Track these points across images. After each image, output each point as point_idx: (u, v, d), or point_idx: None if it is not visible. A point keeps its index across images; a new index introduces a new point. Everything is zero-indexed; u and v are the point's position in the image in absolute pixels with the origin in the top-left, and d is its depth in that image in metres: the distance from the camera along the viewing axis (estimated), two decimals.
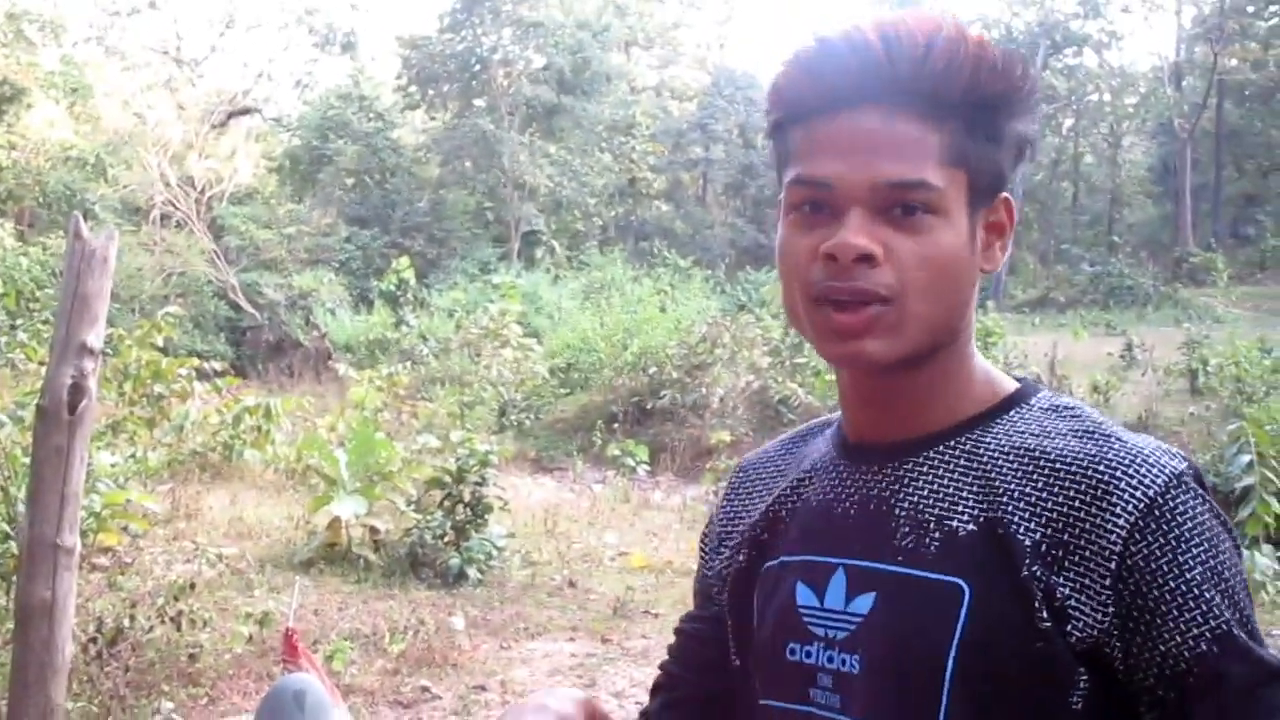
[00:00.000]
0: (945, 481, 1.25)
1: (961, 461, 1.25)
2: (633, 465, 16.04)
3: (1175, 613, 1.13)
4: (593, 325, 23.57)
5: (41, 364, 11.36)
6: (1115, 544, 1.14)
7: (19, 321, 13.25)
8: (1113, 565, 1.13)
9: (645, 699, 4.97)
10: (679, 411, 19.52)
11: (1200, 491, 1.19)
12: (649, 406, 19.93)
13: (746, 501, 1.48)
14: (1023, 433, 1.25)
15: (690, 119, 43.93)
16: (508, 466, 13.88)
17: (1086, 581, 1.14)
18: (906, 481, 1.27)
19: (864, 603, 1.25)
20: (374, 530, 9.97)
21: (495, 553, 9.60)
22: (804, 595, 1.30)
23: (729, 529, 1.50)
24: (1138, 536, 1.14)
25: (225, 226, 30.62)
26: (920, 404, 1.28)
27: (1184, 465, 1.19)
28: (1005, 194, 1.27)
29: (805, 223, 1.23)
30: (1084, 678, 1.15)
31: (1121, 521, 1.14)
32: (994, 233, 1.27)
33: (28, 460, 6.07)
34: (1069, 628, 1.14)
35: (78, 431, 5.44)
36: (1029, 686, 1.15)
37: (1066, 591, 1.14)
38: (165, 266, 28.13)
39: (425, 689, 6.68)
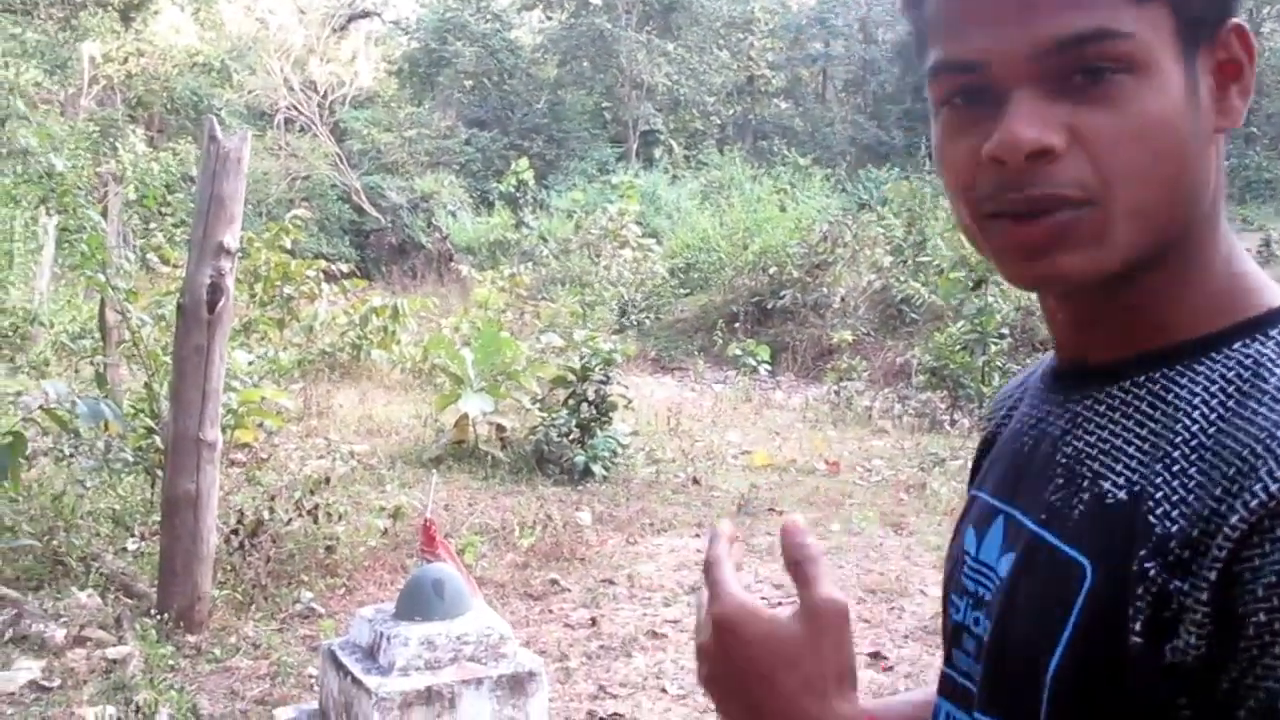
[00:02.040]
0: (1116, 429, 0.96)
1: (1143, 406, 0.95)
2: (754, 365, 15.99)
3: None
4: (712, 225, 23.42)
5: (176, 266, 11.65)
6: (1227, 543, 0.83)
7: (152, 225, 13.55)
8: (1217, 571, 0.83)
9: (771, 595, 5.02)
10: (800, 311, 19.39)
11: None
12: (769, 306, 19.82)
13: (993, 418, 1.23)
14: (1235, 377, 0.91)
15: (809, 13, 43.01)
16: (629, 366, 13.94)
17: (1196, 588, 0.85)
18: (1079, 421, 0.99)
19: (1006, 563, 1.01)
20: (500, 428, 10.11)
21: (619, 450, 9.68)
22: (969, 540, 1.11)
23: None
24: (1256, 540, 0.82)
25: (347, 130, 30.91)
26: (1129, 322, 0.97)
27: None
28: (1234, 20, 0.93)
29: (960, 119, 0.94)
30: (1185, 710, 0.86)
31: (1241, 515, 0.83)
32: (1227, 75, 0.93)
33: (168, 359, 6.24)
34: (1170, 644, 0.86)
35: (217, 330, 5.57)
36: (1122, 709, 0.89)
37: (1179, 601, 0.85)
38: (290, 171, 28.54)
39: (554, 582, 6.79)
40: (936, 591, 6.93)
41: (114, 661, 5.22)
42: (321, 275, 15.01)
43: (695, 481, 9.48)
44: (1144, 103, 0.88)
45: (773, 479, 9.62)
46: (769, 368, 16.45)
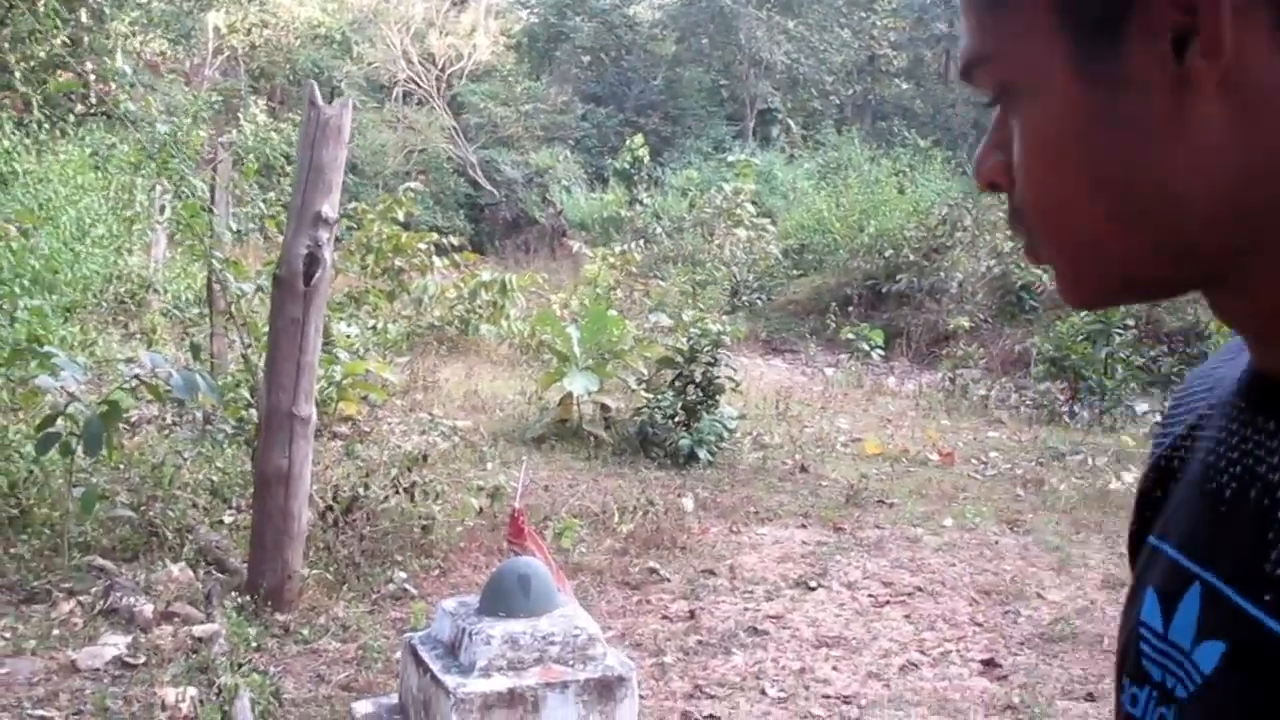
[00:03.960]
0: None
1: None
2: (867, 350, 15.61)
3: None
4: (828, 206, 23.01)
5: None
6: None
7: (269, 196, 13.57)
8: None
9: (878, 591, 4.73)
10: (915, 296, 18.94)
11: None
12: (884, 290, 19.40)
13: (1168, 433, 0.92)
14: None
15: None
16: (738, 347, 13.64)
17: None
18: None
19: (1211, 653, 0.75)
20: (605, 408, 9.92)
21: (726, 434, 9.43)
22: (1150, 609, 0.83)
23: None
24: None
25: (464, 104, 30.95)
26: None
27: None
28: None
29: None
30: None
31: None
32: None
33: (267, 330, 6.12)
34: None
35: (313, 302, 5.43)
36: None
37: None
38: (407, 143, 28.65)
39: (653, 570, 6.57)
40: (1055, 595, 6.60)
41: (200, 639, 5.11)
42: (433, 248, 14.94)
43: (803, 469, 9.20)
44: (1035, 124, 0.75)
45: (883, 469, 9.30)
46: (882, 352, 16.06)
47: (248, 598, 5.54)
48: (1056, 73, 0.73)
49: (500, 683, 3.35)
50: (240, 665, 4.91)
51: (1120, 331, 12.86)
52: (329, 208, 5.53)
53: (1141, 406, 13.14)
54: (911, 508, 8.12)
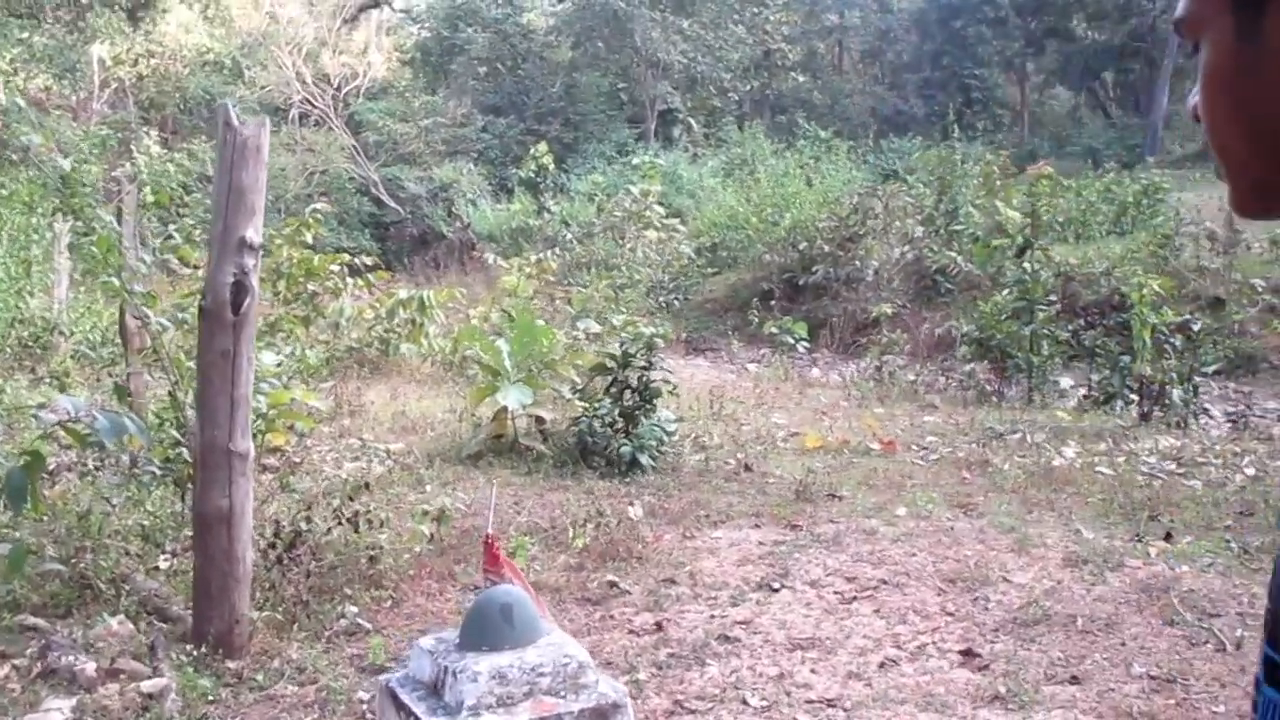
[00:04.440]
0: None
1: None
2: (792, 343, 15.55)
3: None
4: (739, 202, 22.99)
5: (197, 267, 11.26)
6: None
7: (170, 226, 13.19)
8: None
9: (843, 587, 4.58)
10: (832, 286, 18.98)
11: None
12: (801, 283, 19.41)
13: None
14: None
15: None
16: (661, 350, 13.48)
17: None
18: None
19: None
20: (540, 420, 9.71)
21: (666, 438, 9.26)
22: None
23: None
24: None
25: (362, 122, 30.54)
26: None
27: None
28: None
29: None
30: None
31: None
32: None
33: (193, 365, 5.85)
34: None
35: (243, 332, 5.18)
36: None
37: None
38: (307, 165, 28.20)
39: (613, 584, 6.38)
40: (1021, 578, 6.51)
41: (150, 696, 4.83)
42: (345, 270, 14.63)
43: (747, 468, 9.06)
44: (1207, 70, 1.02)
45: (827, 462, 9.20)
46: (806, 344, 16.01)
47: (195, 647, 5.27)
48: (1223, 35, 1.00)
49: None
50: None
51: (1044, 307, 12.89)
52: (253, 232, 5.27)
53: (1066, 381, 13.22)
54: (862, 499, 8.01)
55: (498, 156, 30.81)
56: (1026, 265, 13.29)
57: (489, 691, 3.19)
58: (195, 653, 5.23)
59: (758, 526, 7.50)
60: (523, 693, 3.23)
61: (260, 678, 5.14)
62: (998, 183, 18.85)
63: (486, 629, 3.31)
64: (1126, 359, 12.00)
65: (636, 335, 9.44)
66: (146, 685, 4.91)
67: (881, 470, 8.91)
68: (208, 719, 4.72)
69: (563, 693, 3.28)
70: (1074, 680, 5.00)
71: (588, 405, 9.51)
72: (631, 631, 5.78)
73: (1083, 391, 13.00)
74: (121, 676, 5.04)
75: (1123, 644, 5.40)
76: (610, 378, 9.45)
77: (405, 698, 3.31)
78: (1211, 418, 11.84)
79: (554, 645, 3.36)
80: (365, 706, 4.90)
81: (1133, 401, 11.81)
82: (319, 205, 16.14)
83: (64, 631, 5.52)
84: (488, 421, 9.75)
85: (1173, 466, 8.94)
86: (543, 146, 26.76)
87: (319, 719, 4.76)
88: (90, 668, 5.09)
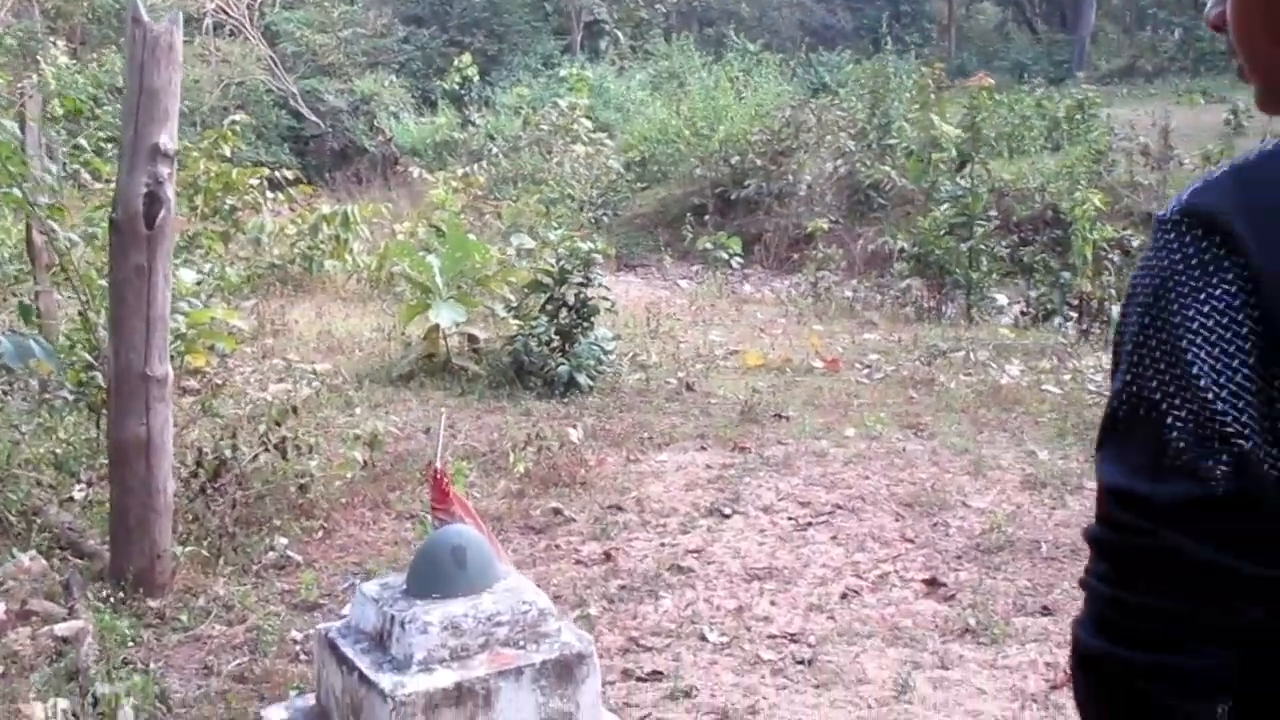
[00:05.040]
0: None
1: None
2: (726, 259, 15.25)
3: None
4: (669, 115, 22.53)
5: (109, 180, 10.70)
6: None
7: (79, 138, 12.56)
8: None
9: (797, 513, 4.30)
10: (765, 201, 18.66)
11: (1162, 236, 1.19)
12: (733, 198, 19.07)
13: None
14: None
15: None
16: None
17: None
18: None
19: None
20: (473, 339, 9.36)
21: (604, 357, 8.95)
22: None
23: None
24: None
25: (279, 33, 29.50)
26: None
27: (1168, 207, 1.21)
28: None
29: None
30: None
31: None
32: None
33: (105, 283, 5.44)
34: None
35: (158, 247, 4.78)
36: None
37: None
38: (223, 77, 27.20)
39: (557, 511, 6.09)
40: (979, 502, 6.30)
41: (65, 640, 4.48)
42: (265, 183, 14.06)
43: (688, 388, 8.78)
44: None
45: (770, 381, 8.94)
46: (741, 260, 15.71)
47: (113, 585, 4.92)
48: None
49: (444, 677, 2.85)
50: (115, 666, 4.32)
51: (983, 223, 12.69)
52: (167, 138, 4.85)
53: (1002, 298, 13.06)
54: (809, 420, 7.77)
55: (420, 69, 29.97)
56: (964, 180, 13.07)
57: (441, 644, 2.89)
58: (114, 591, 4.88)
59: (704, 449, 7.24)
60: (478, 644, 2.94)
61: (184, 617, 4.81)
62: (932, 96, 18.58)
63: (437, 574, 3.01)
64: (1066, 275, 11.86)
65: (573, 251, 9.08)
66: (61, 628, 4.56)
67: (826, 389, 8.67)
68: (128, 664, 4.38)
69: (522, 643, 2.99)
70: (1045, 611, 4.80)
71: (523, 323, 9.17)
72: (579, 562, 5.50)
73: (1020, 308, 12.88)
74: (33, 619, 4.68)
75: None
76: (546, 295, 9.10)
77: (347, 650, 3.00)
78: None
79: (511, 591, 3.06)
80: (299, 647, 4.59)
81: (1072, 318, 11.68)
82: (236, 118, 15.50)
83: None
84: (419, 341, 9.37)
85: None
86: (466, 58, 26.07)
87: (249, 662, 4.44)
88: (0, 609, 4.73)
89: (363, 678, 2.90)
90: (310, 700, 3.30)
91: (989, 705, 4.03)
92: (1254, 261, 1.11)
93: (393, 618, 2.96)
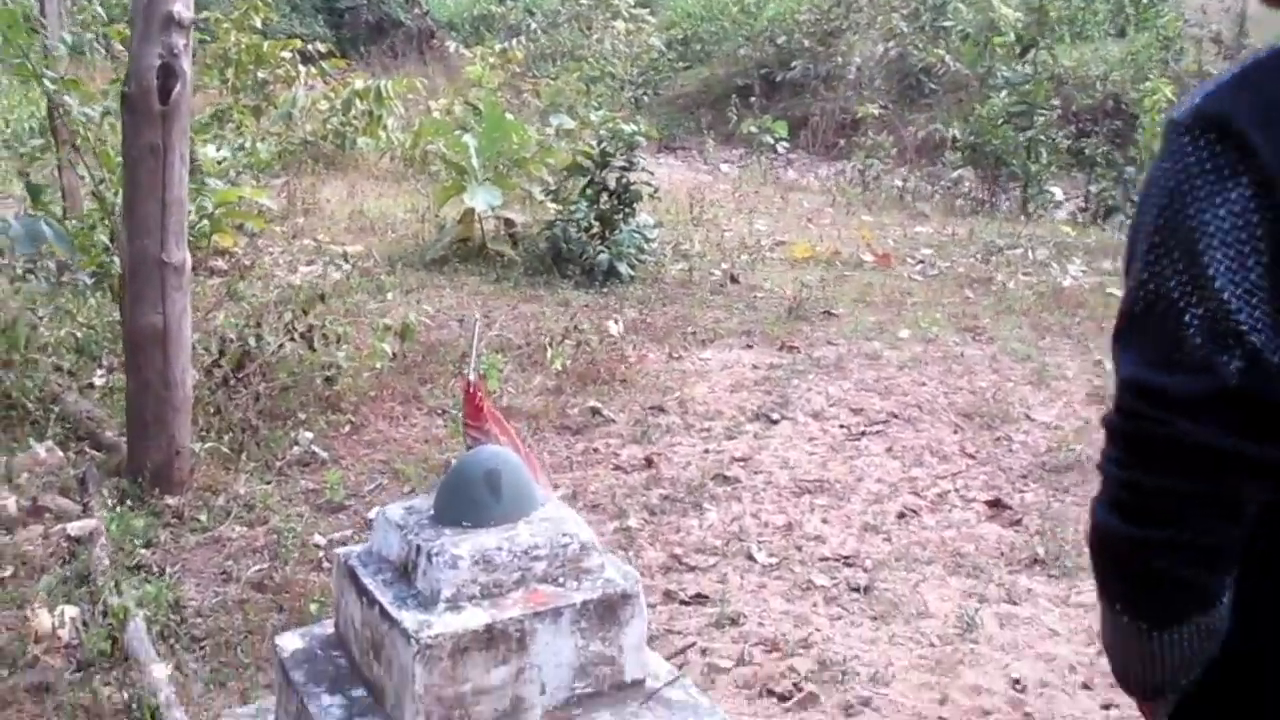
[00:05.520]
0: None
1: None
2: (771, 143, 14.75)
3: None
4: None
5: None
6: None
7: (98, 4, 12.13)
8: None
9: (849, 420, 3.95)
10: (811, 84, 18.08)
11: (1176, 140, 1.25)
12: (778, 79, 18.49)
13: None
14: None
15: None
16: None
17: None
18: None
19: None
20: (509, 223, 9.02)
21: (645, 245, 8.60)
22: None
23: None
24: None
25: None
26: None
27: (1182, 110, 1.26)
28: None
29: None
30: None
31: None
32: None
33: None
34: None
35: (173, 125, 4.44)
36: None
37: None
38: None
39: (595, 411, 5.80)
40: (1044, 415, 5.95)
41: (77, 540, 4.24)
42: (298, 56, 13.62)
43: (733, 280, 8.43)
44: None
45: (819, 275, 8.55)
46: (786, 145, 15.21)
47: (130, 481, 4.67)
48: None
49: (474, 617, 2.56)
50: (128, 569, 4.07)
51: (1044, 112, 12.16)
52: (183, 6, 4.48)
53: (1058, 193, 12.56)
54: (860, 318, 7.42)
55: None
56: (1026, 66, 12.51)
57: (471, 579, 2.60)
58: (130, 488, 4.64)
59: (749, 347, 6.91)
60: (513, 580, 2.65)
61: (203, 517, 4.56)
62: None
63: (468, 500, 2.71)
64: (1130, 170, 11.36)
65: (615, 133, 8.68)
66: (73, 527, 4.32)
67: (878, 286, 8.30)
68: (142, 568, 4.14)
69: (561, 580, 2.70)
70: None
71: (561, 208, 8.81)
72: (618, 468, 5.22)
73: (1078, 204, 12.41)
74: (46, 516, 4.45)
75: None
76: (586, 179, 8.72)
77: (368, 581, 2.72)
78: None
79: (550, 521, 2.76)
80: (321, 554, 4.34)
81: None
82: None
83: None
84: (453, 224, 9.03)
85: None
86: None
87: (269, 569, 4.19)
88: (11, 504, 4.50)
89: (384, 614, 2.62)
90: (329, 628, 3.03)
91: (1062, 648, 3.73)
92: (1266, 165, 1.20)
93: (418, 548, 2.67)
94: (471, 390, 2.90)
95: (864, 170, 13.65)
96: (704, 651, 3.67)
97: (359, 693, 2.76)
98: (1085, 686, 3.53)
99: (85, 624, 3.68)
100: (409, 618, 2.55)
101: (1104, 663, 3.60)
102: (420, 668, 2.50)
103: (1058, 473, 5.11)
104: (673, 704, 2.78)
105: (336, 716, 2.67)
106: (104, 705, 3.25)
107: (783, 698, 3.41)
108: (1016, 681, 3.53)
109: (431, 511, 2.79)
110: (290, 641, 2.99)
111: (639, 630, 2.76)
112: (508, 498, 2.74)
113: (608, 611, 2.70)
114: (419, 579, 2.66)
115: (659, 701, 2.78)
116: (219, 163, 8.31)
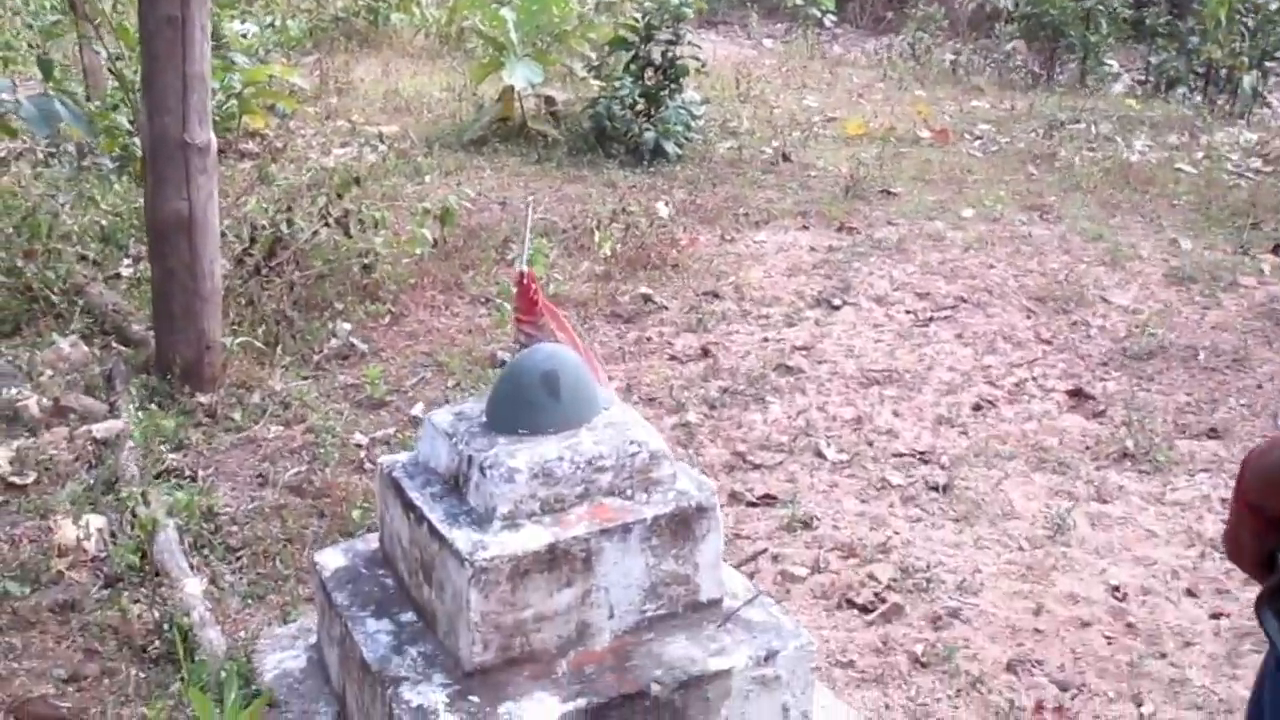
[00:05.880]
0: None
1: None
2: (817, 16, 14.19)
3: None
4: None
5: None
6: None
7: None
8: None
9: (915, 305, 3.60)
10: None
11: None
12: None
13: None
14: None
15: None
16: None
17: None
18: None
19: None
20: (550, 101, 8.66)
21: (692, 123, 8.22)
22: None
23: None
24: None
25: None
26: None
27: None
28: None
29: None
30: None
31: None
32: None
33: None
34: None
35: None
36: None
37: None
38: None
39: (647, 298, 5.50)
40: (1120, 298, 5.60)
41: (103, 443, 4.01)
42: None
43: (785, 158, 8.05)
44: None
45: (874, 152, 8.15)
46: (834, 18, 14.64)
47: (159, 378, 4.42)
48: None
49: (534, 536, 2.30)
50: (158, 474, 3.84)
51: None
52: None
53: (1115, 65, 12.02)
54: (920, 197, 7.06)
55: None
56: None
57: (530, 494, 2.34)
58: (159, 385, 4.40)
59: (805, 228, 6.57)
60: (576, 494, 2.38)
61: (237, 416, 4.31)
62: None
63: (524, 405, 2.44)
64: (1194, 40, 10.81)
65: (661, 4, 8.24)
66: (99, 429, 4.08)
67: (936, 163, 7.91)
68: (173, 472, 3.90)
69: (630, 493, 2.43)
70: (1213, 434, 4.18)
71: (604, 84, 8.43)
72: (673, 358, 4.93)
73: (1137, 76, 11.88)
74: (71, 417, 4.21)
75: (1259, 386, 4.57)
76: (630, 53, 8.32)
77: (415, 495, 2.46)
78: (1270, 108, 10.69)
79: (615, 427, 2.48)
80: (363, 454, 4.10)
81: (1198, 88, 10.70)
82: None
83: (6, 354, 4.67)
84: (492, 102, 8.67)
85: (1259, 165, 7.94)
86: None
87: (307, 471, 3.94)
88: (33, 404, 4.26)
89: (434, 532, 2.36)
90: (372, 543, 2.78)
91: (1161, 551, 3.45)
92: None
93: (470, 459, 2.39)
94: (524, 281, 2.60)
95: (914, 44, 13.11)
96: (775, 558, 3.41)
97: (408, 617, 2.51)
98: (1190, 593, 3.25)
99: (113, 535, 3.45)
100: (462, 537, 2.29)
101: (1209, 567, 3.33)
102: (476, 593, 2.25)
103: (1140, 360, 4.79)
104: (753, 625, 2.53)
105: (384, 644, 2.43)
106: (133, 625, 3.02)
107: (864, 609, 3.15)
108: (1116, 589, 3.26)
109: (483, 418, 2.51)
110: (331, 559, 2.74)
111: (715, 546, 2.50)
112: (568, 401, 2.46)
113: (681, 526, 2.43)
114: (471, 493, 2.39)
115: (738, 623, 2.53)
116: (246, 39, 7.95)
